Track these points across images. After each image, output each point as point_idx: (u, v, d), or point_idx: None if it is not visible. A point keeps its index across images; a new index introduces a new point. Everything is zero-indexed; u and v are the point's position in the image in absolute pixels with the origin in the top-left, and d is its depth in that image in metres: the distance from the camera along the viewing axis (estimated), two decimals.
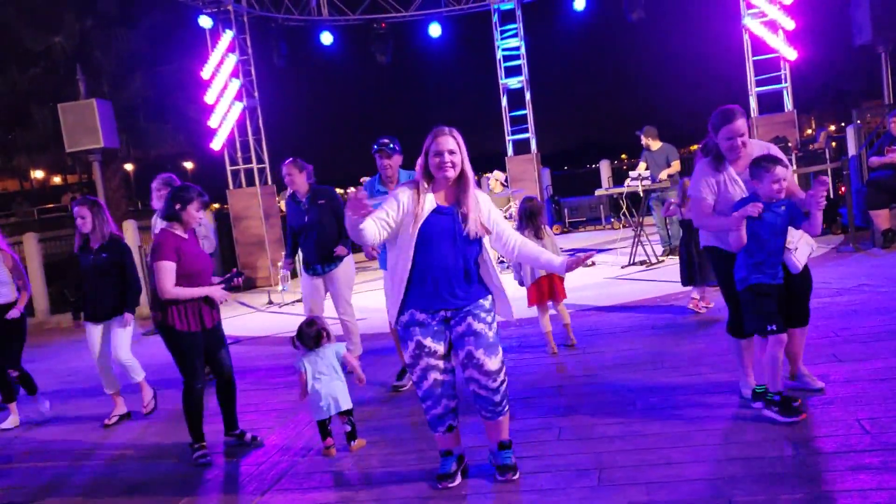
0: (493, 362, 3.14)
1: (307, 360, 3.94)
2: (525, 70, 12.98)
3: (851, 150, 8.90)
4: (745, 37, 10.87)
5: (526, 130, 13.16)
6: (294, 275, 8.99)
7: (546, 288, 5.26)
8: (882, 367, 3.95)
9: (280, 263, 5.95)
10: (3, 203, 30.95)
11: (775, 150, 3.61)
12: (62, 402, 5.87)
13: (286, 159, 5.40)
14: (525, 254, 3.42)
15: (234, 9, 11.40)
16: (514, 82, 13.07)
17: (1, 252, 5.27)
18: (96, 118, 9.26)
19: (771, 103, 11.16)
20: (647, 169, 8.82)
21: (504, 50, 13.04)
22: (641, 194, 8.67)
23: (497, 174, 10.65)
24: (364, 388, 4.81)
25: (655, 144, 8.93)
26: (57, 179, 36.11)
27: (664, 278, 7.49)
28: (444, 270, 3.12)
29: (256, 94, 11.83)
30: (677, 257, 8.53)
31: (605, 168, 14.36)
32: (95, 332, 5.03)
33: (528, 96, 13.06)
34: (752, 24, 10.64)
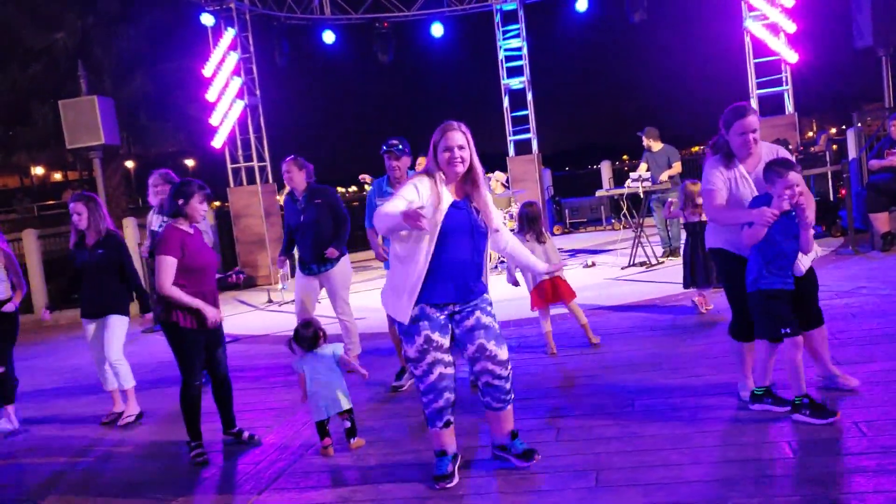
0: (503, 352, 3.25)
1: (305, 361, 3.95)
2: (527, 70, 12.98)
3: (851, 153, 8.91)
4: (747, 39, 10.88)
5: (527, 131, 13.16)
6: (294, 273, 9.00)
7: (549, 291, 5.26)
8: (880, 369, 3.95)
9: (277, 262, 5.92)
10: (3, 199, 30.97)
11: (784, 153, 3.60)
12: (60, 399, 5.88)
13: (287, 157, 5.40)
14: (513, 253, 3.58)
15: (237, 6, 11.40)
16: (515, 83, 13.07)
17: None
18: (97, 115, 9.26)
19: (772, 106, 11.17)
20: (648, 170, 8.82)
21: (506, 50, 13.04)
22: (642, 195, 8.68)
23: (498, 175, 10.65)
24: (362, 388, 4.82)
25: (657, 146, 8.94)
26: (58, 176, 36.12)
27: (664, 279, 7.49)
28: (461, 265, 3.16)
29: (258, 92, 11.83)
30: (677, 259, 8.59)
31: (605, 169, 14.37)
32: (92, 328, 4.99)
33: (529, 97, 13.06)
34: (753, 26, 10.65)
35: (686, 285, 6.10)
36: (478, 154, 3.23)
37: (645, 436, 3.54)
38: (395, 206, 3.00)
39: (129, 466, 4.20)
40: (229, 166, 11.74)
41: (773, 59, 10.71)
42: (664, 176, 8.69)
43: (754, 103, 10.95)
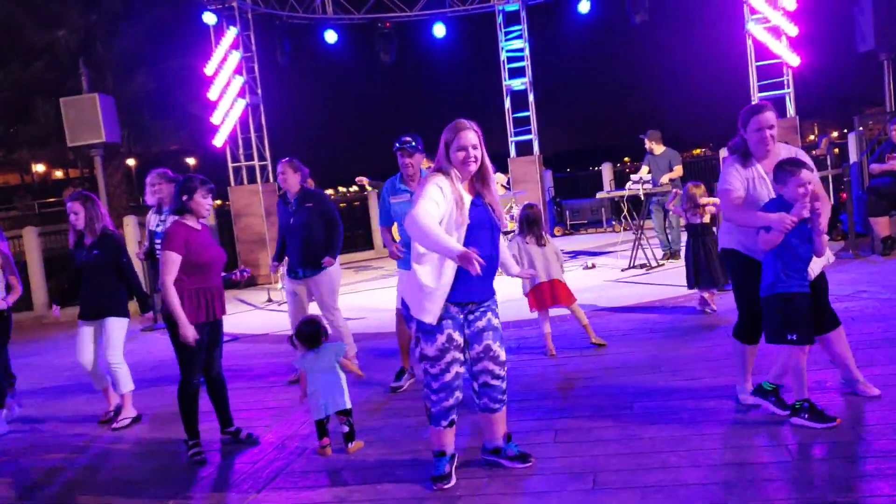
0: (503, 352, 3.30)
1: (306, 359, 3.94)
2: (528, 71, 12.98)
3: (853, 156, 8.91)
4: (749, 42, 10.87)
5: (529, 132, 13.16)
6: None
7: (547, 293, 5.26)
8: (879, 374, 3.95)
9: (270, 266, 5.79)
10: (4, 197, 30.96)
11: (802, 155, 3.59)
12: (59, 397, 5.88)
13: (283, 158, 5.37)
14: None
15: (239, 5, 11.41)
16: (517, 84, 13.07)
17: None
18: (98, 113, 9.26)
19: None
20: (649, 173, 8.83)
21: (508, 51, 13.04)
22: (642, 198, 8.68)
23: (499, 176, 10.64)
24: (361, 388, 4.81)
25: (659, 148, 8.95)
26: (59, 174, 36.09)
27: (664, 282, 7.49)
28: (485, 262, 3.17)
29: (259, 91, 11.83)
30: (677, 261, 8.59)
31: (607, 171, 14.37)
32: (87, 331, 4.89)
33: (531, 98, 13.06)
34: (755, 29, 10.65)
35: (690, 286, 6.11)
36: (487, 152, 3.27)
37: (643, 438, 3.53)
38: (430, 213, 2.98)
39: (126, 465, 4.20)
40: (230, 165, 11.74)
41: (774, 62, 10.71)
42: (665, 178, 8.70)
43: None
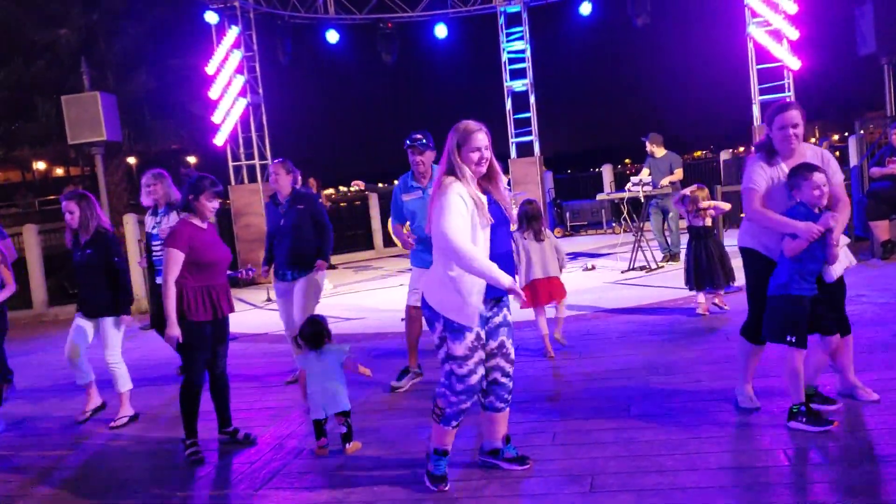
0: (513, 350, 3.32)
1: (308, 359, 3.94)
2: (530, 73, 12.98)
3: (853, 160, 8.91)
4: (750, 45, 10.87)
5: (529, 133, 13.17)
6: None
7: (543, 290, 5.24)
8: (877, 378, 3.94)
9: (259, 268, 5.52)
10: (5, 194, 30.98)
11: (827, 155, 3.58)
12: (56, 395, 5.87)
13: (276, 159, 5.33)
14: None
15: (241, 4, 11.41)
16: (518, 85, 13.08)
17: None
18: (100, 111, 9.26)
19: None
20: (650, 175, 8.84)
21: (509, 52, 13.05)
22: (643, 200, 8.69)
23: (501, 173, 10.64)
24: (359, 389, 4.81)
25: (660, 151, 8.96)
26: (59, 172, 36.10)
27: (663, 284, 7.49)
28: (506, 257, 3.22)
29: (261, 90, 11.84)
30: (677, 263, 8.59)
31: (607, 172, 14.38)
32: (81, 324, 4.85)
33: (532, 99, 13.07)
34: (756, 32, 10.65)
35: (689, 287, 6.12)
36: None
37: (641, 441, 3.53)
38: (461, 230, 2.98)
39: (123, 464, 4.20)
40: (231, 164, 11.75)
41: (775, 65, 10.70)
42: (665, 181, 8.71)
43: (756, 109, 10.95)
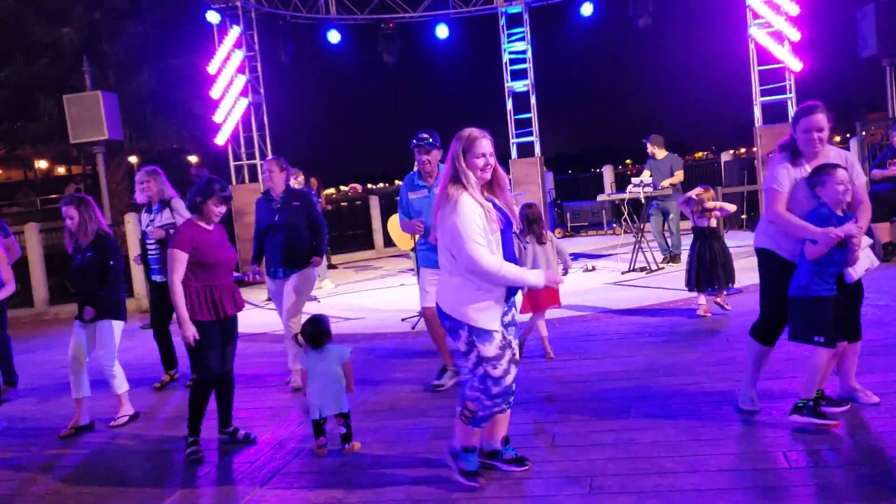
0: (518, 350, 3.32)
1: (309, 358, 3.95)
2: (531, 73, 12.98)
3: None
4: (751, 46, 10.86)
5: (530, 134, 13.17)
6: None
7: (543, 294, 5.24)
8: (878, 381, 3.94)
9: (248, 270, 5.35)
10: (7, 193, 30.97)
11: (852, 158, 3.57)
12: (56, 393, 5.88)
13: (269, 156, 5.32)
14: None
15: (242, 4, 11.42)
16: (519, 85, 13.08)
17: None
18: (101, 110, 9.28)
19: (775, 113, 11.15)
20: (650, 177, 8.85)
21: (510, 53, 13.05)
22: (643, 201, 8.69)
23: (503, 176, 10.64)
24: (359, 390, 4.80)
25: (661, 153, 8.97)
26: (61, 170, 36.09)
27: (664, 285, 7.49)
28: (515, 261, 3.24)
29: (262, 90, 11.84)
30: (678, 265, 8.59)
31: (608, 173, 14.37)
32: (82, 332, 4.82)
33: (533, 100, 13.06)
34: (758, 34, 10.64)
35: (689, 288, 6.12)
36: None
37: (641, 443, 3.53)
38: (483, 245, 3.01)
39: (122, 463, 4.20)
40: (232, 164, 11.75)
41: (777, 66, 10.69)
42: (666, 183, 8.71)
43: (758, 111, 10.95)
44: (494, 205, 3.23)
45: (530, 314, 5.31)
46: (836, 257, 3.38)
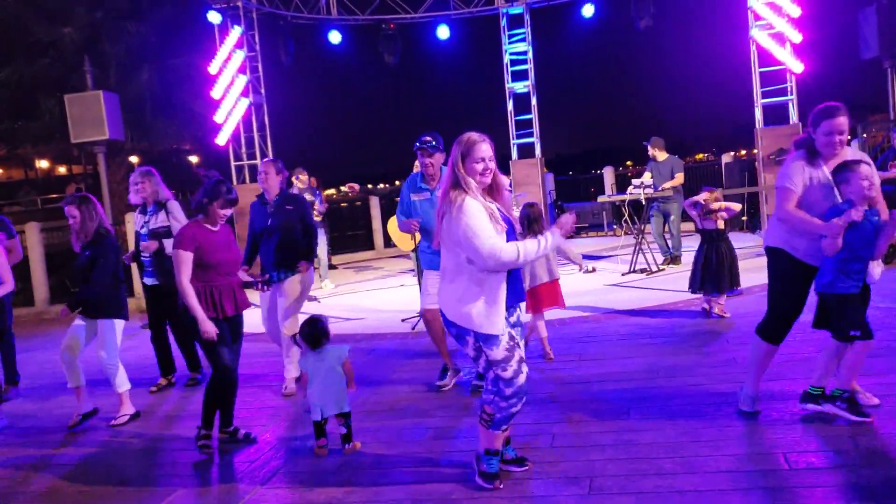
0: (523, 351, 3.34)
1: (308, 359, 3.95)
2: (531, 74, 12.98)
3: None
4: (752, 48, 10.85)
5: (531, 135, 13.16)
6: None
7: (545, 294, 5.26)
8: (877, 384, 3.94)
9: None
10: (8, 192, 30.99)
11: (868, 160, 3.56)
12: (56, 392, 5.88)
13: (266, 158, 5.32)
14: None
15: (244, 5, 11.42)
16: (520, 86, 13.07)
17: None
18: (102, 110, 9.28)
19: (776, 115, 11.14)
20: (651, 178, 8.85)
21: (511, 54, 13.04)
22: (644, 202, 8.69)
23: (503, 179, 10.64)
24: (359, 390, 4.81)
25: (662, 155, 8.98)
26: (62, 170, 36.14)
27: (664, 287, 7.49)
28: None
29: (263, 90, 11.84)
30: (678, 266, 8.59)
31: (608, 175, 14.38)
32: (79, 326, 4.82)
33: (534, 101, 13.06)
34: (759, 35, 10.64)
35: (693, 290, 6.12)
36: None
37: (640, 444, 3.53)
38: (496, 236, 3.05)
39: (122, 462, 4.21)
40: (233, 164, 11.75)
41: (778, 68, 10.68)
42: (666, 185, 8.72)
43: (759, 112, 10.95)
44: (497, 208, 3.24)
45: (530, 315, 5.31)
46: (861, 253, 3.39)
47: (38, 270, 10.48)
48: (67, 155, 24.48)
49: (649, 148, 9.04)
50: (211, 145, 12.07)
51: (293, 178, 10.03)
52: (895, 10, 9.63)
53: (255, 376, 5.75)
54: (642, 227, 8.77)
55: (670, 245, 8.94)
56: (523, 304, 3.65)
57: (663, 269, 8.54)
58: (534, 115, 13.13)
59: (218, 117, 11.31)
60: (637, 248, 8.60)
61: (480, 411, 3.25)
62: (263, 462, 3.86)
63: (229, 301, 4.09)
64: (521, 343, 3.28)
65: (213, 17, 11.19)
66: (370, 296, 9.27)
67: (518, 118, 13.21)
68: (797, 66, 10.49)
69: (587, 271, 9.08)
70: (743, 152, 21.79)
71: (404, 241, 7.59)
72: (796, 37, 10.31)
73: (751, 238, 10.58)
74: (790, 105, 10.92)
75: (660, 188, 8.66)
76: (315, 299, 8.98)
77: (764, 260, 3.86)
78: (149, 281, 5.58)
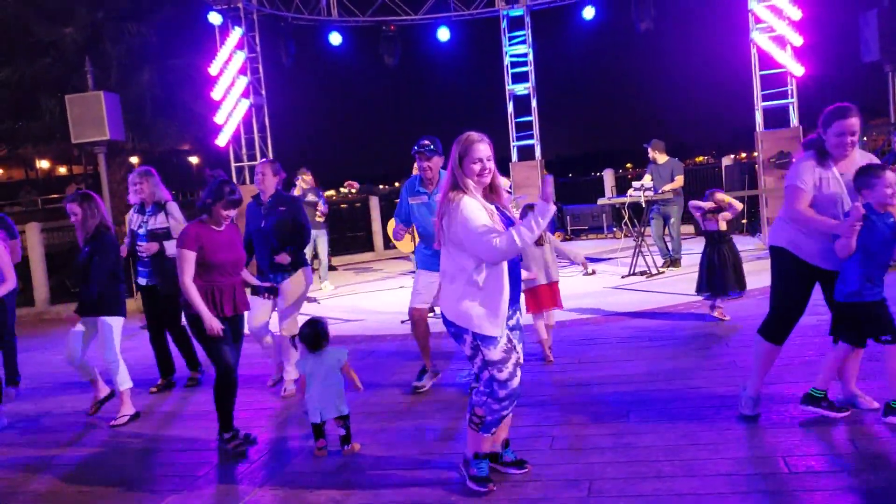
0: (522, 353, 3.32)
1: (307, 361, 3.95)
2: (532, 76, 13.00)
3: None
4: (753, 51, 10.86)
5: (531, 137, 13.17)
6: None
7: (545, 296, 5.25)
8: (877, 386, 3.94)
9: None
10: (8, 192, 31.01)
11: (875, 161, 3.57)
12: (57, 392, 5.88)
13: (263, 159, 5.33)
14: None
15: (244, 6, 11.43)
16: (520, 88, 13.09)
17: None
18: (103, 110, 9.28)
19: (776, 118, 11.15)
20: (651, 181, 8.86)
21: (512, 56, 13.06)
22: (644, 205, 8.69)
23: (501, 180, 10.64)
24: (359, 391, 4.81)
25: (662, 158, 8.98)
26: (63, 170, 36.16)
27: (664, 289, 7.49)
28: (513, 266, 3.25)
29: (263, 91, 11.85)
30: (677, 269, 8.60)
31: (608, 177, 14.39)
32: (79, 333, 4.86)
33: (534, 103, 13.07)
34: (760, 38, 10.65)
35: (699, 291, 6.12)
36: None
37: (639, 446, 3.53)
38: (491, 230, 3.04)
39: (122, 462, 4.21)
40: (233, 165, 11.76)
41: (779, 71, 10.69)
42: (667, 187, 8.73)
43: (759, 115, 10.96)
44: (497, 208, 3.25)
45: (531, 315, 5.32)
46: (884, 259, 3.37)
47: (39, 270, 10.48)
48: (68, 155, 24.51)
49: (649, 150, 9.05)
50: (211, 146, 12.07)
51: (296, 179, 10.03)
52: None
53: (254, 376, 5.75)
54: (642, 230, 8.77)
55: (670, 248, 8.95)
56: (523, 306, 3.65)
57: (663, 272, 8.55)
58: (534, 118, 13.15)
59: (218, 118, 11.31)
60: (637, 250, 8.60)
61: (470, 413, 3.24)
62: (263, 463, 3.86)
63: (229, 302, 4.10)
64: (519, 346, 3.28)
65: (214, 18, 11.20)
66: (370, 297, 9.27)
67: (518, 120, 13.22)
68: (798, 70, 10.50)
69: (588, 273, 9.08)
70: (743, 155, 21.79)
71: (404, 243, 7.60)
72: (797, 40, 10.32)
73: (751, 241, 10.58)
74: (791, 108, 10.93)
75: (660, 191, 8.66)
76: (314, 301, 8.98)
77: (764, 263, 3.86)
78: (143, 281, 5.58)
